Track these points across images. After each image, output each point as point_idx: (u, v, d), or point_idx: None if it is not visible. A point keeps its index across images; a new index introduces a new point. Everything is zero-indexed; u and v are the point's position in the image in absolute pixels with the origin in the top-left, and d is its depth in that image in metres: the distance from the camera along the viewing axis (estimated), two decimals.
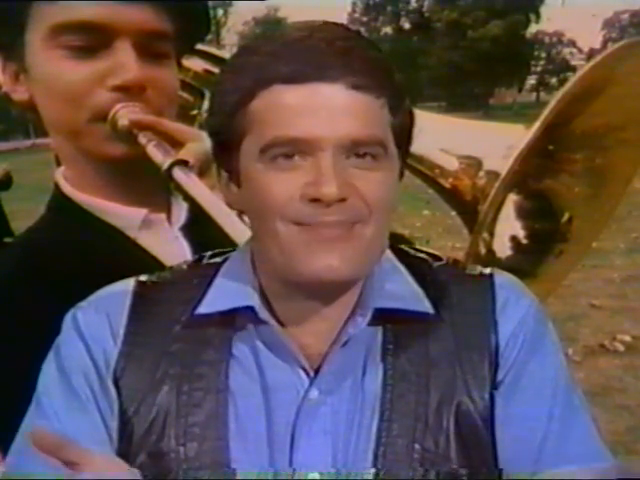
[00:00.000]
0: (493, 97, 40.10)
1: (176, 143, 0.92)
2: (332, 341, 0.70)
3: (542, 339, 0.73)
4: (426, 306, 0.71)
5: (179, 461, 0.66)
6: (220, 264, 0.75)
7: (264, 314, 0.68)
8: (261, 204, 0.64)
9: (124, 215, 0.95)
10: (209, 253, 0.78)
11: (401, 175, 0.70)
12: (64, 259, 0.88)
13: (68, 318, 0.73)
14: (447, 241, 6.28)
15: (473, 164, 1.09)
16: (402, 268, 0.74)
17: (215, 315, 0.70)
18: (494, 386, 0.70)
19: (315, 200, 0.61)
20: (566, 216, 1.23)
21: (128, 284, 0.74)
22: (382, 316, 0.70)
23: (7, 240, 1.12)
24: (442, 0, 38.62)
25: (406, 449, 0.66)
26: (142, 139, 0.89)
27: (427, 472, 0.66)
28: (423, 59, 38.20)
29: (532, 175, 1.20)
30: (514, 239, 1.26)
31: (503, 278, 0.75)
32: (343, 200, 0.61)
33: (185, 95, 1.45)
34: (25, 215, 1.19)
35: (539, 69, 48.11)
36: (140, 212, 0.96)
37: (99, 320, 0.71)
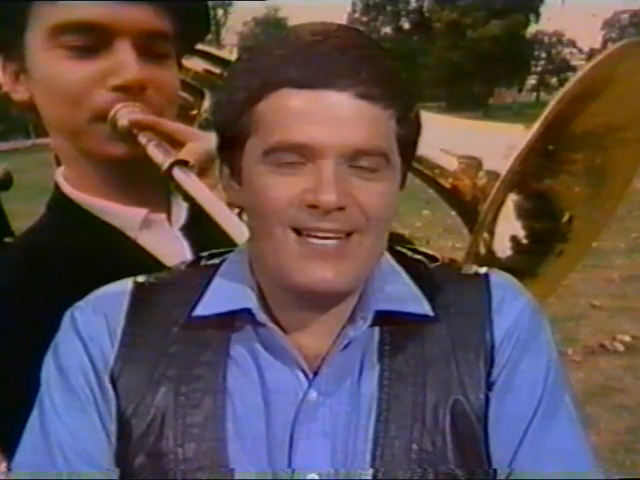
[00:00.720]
0: (493, 97, 40.07)
1: (176, 143, 0.92)
2: (331, 342, 0.70)
3: (536, 339, 0.73)
4: (425, 308, 0.71)
5: (177, 462, 0.66)
6: (218, 265, 0.75)
7: (262, 316, 0.68)
8: (260, 206, 0.64)
9: (124, 215, 0.95)
10: (207, 254, 0.78)
11: (402, 186, 0.70)
12: (64, 259, 0.88)
13: (66, 317, 0.73)
14: (447, 241, 6.28)
15: (473, 164, 1.10)
16: (401, 270, 0.74)
17: (213, 317, 0.70)
18: (489, 387, 0.70)
19: (313, 206, 0.61)
20: (566, 216, 1.23)
21: (126, 285, 0.74)
22: (381, 318, 0.70)
23: (7, 240, 1.12)
24: (442, 0, 38.64)
25: (403, 449, 0.67)
26: (142, 139, 0.89)
27: (425, 472, 0.66)
28: (423, 59, 38.19)
29: (532, 175, 1.20)
30: (514, 239, 1.26)
31: (499, 277, 0.75)
32: (342, 209, 0.61)
33: (185, 95, 1.44)
34: (25, 215, 1.19)
35: (539, 69, 48.12)
36: (140, 212, 0.96)
37: (97, 320, 0.71)
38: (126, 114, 0.88)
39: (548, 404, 0.71)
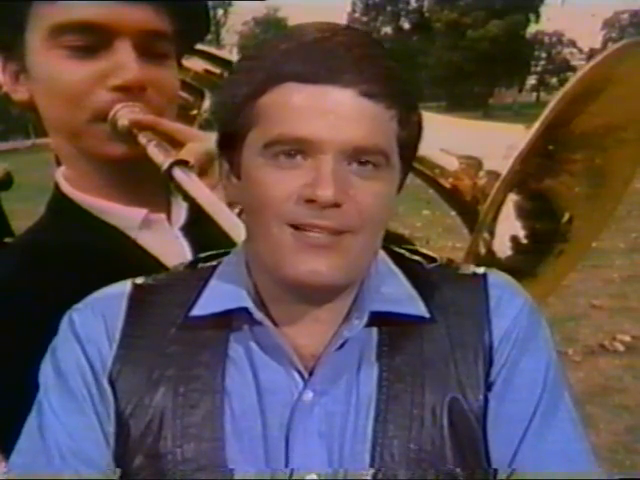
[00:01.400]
0: (493, 97, 40.08)
1: (176, 143, 0.92)
2: (327, 342, 0.70)
3: (535, 338, 0.73)
4: (421, 309, 0.71)
5: (176, 462, 0.66)
6: (215, 267, 0.75)
7: (258, 315, 0.68)
8: (258, 200, 0.64)
9: (124, 215, 0.95)
10: (204, 255, 0.78)
11: (399, 189, 0.70)
12: (64, 259, 0.88)
13: (64, 320, 0.73)
14: (447, 241, 6.28)
15: (473, 164, 1.10)
16: (398, 271, 0.74)
17: (210, 317, 0.70)
18: (488, 387, 0.70)
19: (310, 201, 0.61)
20: (566, 216, 1.23)
21: (124, 286, 0.74)
22: (377, 318, 0.70)
23: (7, 240, 1.12)
24: (442, 0, 38.63)
25: (402, 450, 0.66)
26: (142, 139, 0.89)
27: (425, 472, 0.66)
28: (423, 59, 38.20)
29: (532, 175, 1.20)
30: (514, 239, 1.26)
31: (497, 277, 0.75)
32: (338, 206, 0.61)
33: (185, 95, 1.45)
34: (25, 215, 1.19)
35: (539, 69, 48.13)
36: (140, 212, 0.96)
37: (95, 322, 0.71)
38: (126, 114, 0.88)
39: (547, 404, 0.71)
